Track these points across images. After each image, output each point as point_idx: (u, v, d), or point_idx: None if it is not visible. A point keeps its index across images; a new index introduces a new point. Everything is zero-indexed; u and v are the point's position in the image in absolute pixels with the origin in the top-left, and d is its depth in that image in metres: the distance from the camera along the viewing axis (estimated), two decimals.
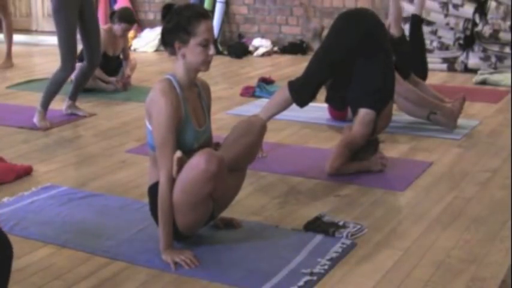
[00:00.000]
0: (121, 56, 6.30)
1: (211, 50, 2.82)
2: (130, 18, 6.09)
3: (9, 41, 7.30)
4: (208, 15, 2.85)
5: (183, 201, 2.75)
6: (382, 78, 3.96)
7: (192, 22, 2.77)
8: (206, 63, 2.85)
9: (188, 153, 2.83)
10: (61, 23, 4.79)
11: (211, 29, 2.83)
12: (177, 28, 2.80)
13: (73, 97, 5.30)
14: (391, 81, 4.04)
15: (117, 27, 6.00)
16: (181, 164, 2.74)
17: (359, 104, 3.94)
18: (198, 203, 2.77)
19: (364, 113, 3.90)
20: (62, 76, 4.95)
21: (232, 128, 3.06)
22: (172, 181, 2.75)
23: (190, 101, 2.90)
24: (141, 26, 8.86)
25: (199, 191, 2.72)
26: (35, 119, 5.00)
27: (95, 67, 5.21)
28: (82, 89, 5.31)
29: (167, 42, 2.86)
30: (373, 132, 3.97)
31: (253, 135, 3.00)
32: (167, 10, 2.86)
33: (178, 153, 2.75)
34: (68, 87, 5.60)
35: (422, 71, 5.54)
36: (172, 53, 2.86)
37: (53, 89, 5.00)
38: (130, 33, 6.51)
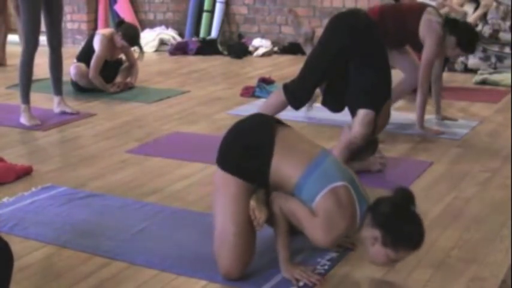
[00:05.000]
0: (123, 58, 6.30)
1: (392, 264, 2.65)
2: (134, 41, 6.11)
3: None
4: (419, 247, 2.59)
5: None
6: (378, 77, 3.95)
7: (402, 248, 2.54)
8: (378, 265, 2.68)
9: None
10: (25, 2, 4.80)
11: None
12: (389, 231, 2.53)
13: (57, 91, 5.28)
14: (388, 80, 4.04)
15: (119, 40, 6.00)
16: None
17: (357, 105, 3.94)
18: None
19: (363, 113, 3.90)
20: (25, 56, 4.93)
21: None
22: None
23: None
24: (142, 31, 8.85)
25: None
26: (22, 119, 5.01)
27: (57, 50, 5.13)
28: (60, 80, 5.26)
29: (375, 222, 2.57)
30: (373, 131, 3.97)
31: None
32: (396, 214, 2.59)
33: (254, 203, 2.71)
34: (66, 88, 5.64)
35: None
36: (367, 235, 2.59)
37: (23, 76, 4.97)
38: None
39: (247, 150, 2.70)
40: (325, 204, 2.56)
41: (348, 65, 3.93)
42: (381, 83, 3.96)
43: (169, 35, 8.53)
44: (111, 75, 6.17)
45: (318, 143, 2.89)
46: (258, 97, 5.79)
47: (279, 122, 2.82)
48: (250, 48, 8.13)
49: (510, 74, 6.36)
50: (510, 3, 6.71)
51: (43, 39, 5.00)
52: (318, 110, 5.01)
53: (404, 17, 4.78)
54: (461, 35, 4.70)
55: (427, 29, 4.70)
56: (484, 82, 6.41)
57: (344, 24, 4.01)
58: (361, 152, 3.94)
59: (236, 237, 2.66)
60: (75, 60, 6.06)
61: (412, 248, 2.56)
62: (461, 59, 6.91)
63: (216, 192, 2.75)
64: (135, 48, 6.32)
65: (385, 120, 4.11)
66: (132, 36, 6.07)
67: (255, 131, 2.77)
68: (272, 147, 2.66)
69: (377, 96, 3.95)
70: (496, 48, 6.76)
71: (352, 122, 3.95)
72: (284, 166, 2.64)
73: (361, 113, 3.89)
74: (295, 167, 2.63)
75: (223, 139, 2.83)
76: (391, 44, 4.64)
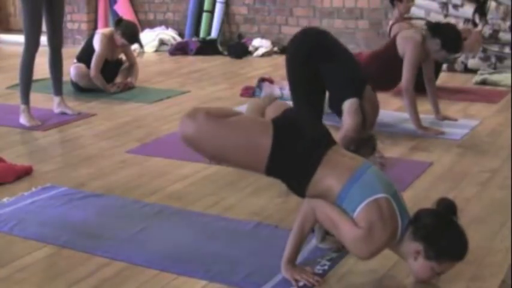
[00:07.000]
0: (123, 58, 6.30)
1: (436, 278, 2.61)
2: (133, 38, 6.09)
3: None
4: (464, 257, 2.57)
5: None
6: (346, 67, 4.12)
7: (446, 260, 2.54)
8: (423, 281, 2.62)
9: None
10: (26, 2, 4.81)
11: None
12: (432, 244, 2.52)
13: (56, 92, 5.28)
14: (356, 66, 4.21)
15: (118, 38, 6.00)
16: None
17: (340, 101, 4.05)
18: None
19: (348, 103, 4.01)
20: (26, 56, 4.93)
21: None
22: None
23: None
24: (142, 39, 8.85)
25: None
26: (22, 120, 5.01)
27: (58, 51, 5.14)
28: (60, 80, 5.26)
29: (416, 235, 2.54)
30: (365, 124, 4.01)
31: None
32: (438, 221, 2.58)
33: None
34: (66, 88, 5.64)
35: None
36: (409, 249, 2.56)
37: (23, 76, 4.98)
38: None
39: (304, 141, 2.65)
40: (366, 215, 2.51)
41: (318, 73, 4.04)
42: (350, 70, 4.13)
43: (169, 35, 8.53)
44: (111, 75, 6.17)
45: None
46: (258, 97, 5.78)
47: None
48: (250, 49, 8.13)
49: (510, 74, 6.36)
50: (510, 3, 6.71)
51: (43, 39, 5.00)
52: None
53: (384, 58, 4.98)
54: (445, 36, 4.71)
55: (404, 43, 4.81)
56: (484, 82, 6.41)
57: (298, 42, 4.19)
58: (359, 151, 3.94)
59: (235, 118, 2.70)
60: (75, 60, 6.06)
61: (456, 259, 2.56)
62: (461, 59, 6.91)
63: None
64: (135, 48, 6.31)
65: (374, 109, 4.17)
66: (131, 34, 6.06)
67: (319, 131, 2.76)
68: (320, 160, 2.62)
69: (353, 84, 4.10)
70: (496, 48, 6.76)
71: (342, 120, 4.01)
72: (325, 178, 2.60)
73: (346, 104, 4.02)
74: (336, 177, 2.58)
75: (289, 109, 2.85)
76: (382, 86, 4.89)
